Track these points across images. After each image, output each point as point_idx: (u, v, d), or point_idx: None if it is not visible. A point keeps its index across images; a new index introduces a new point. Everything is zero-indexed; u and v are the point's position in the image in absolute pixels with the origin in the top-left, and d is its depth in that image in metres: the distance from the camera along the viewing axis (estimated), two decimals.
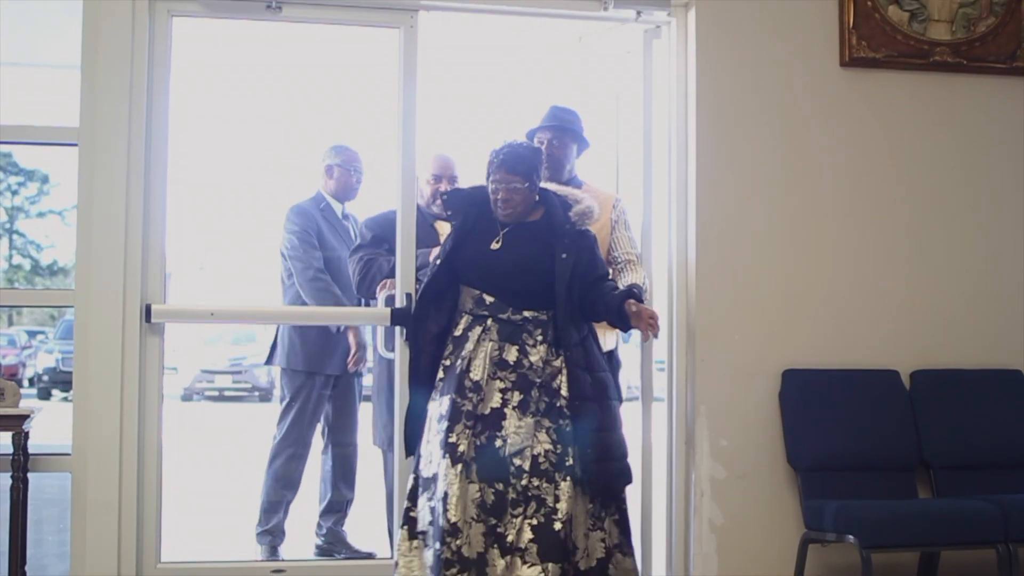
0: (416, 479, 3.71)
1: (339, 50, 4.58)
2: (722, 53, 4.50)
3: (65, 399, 17.48)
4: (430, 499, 3.60)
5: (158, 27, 4.23)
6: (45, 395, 17.83)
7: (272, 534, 4.97)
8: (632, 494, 4.45)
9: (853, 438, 4.40)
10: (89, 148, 4.12)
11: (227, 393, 17.55)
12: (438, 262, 3.82)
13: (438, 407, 3.70)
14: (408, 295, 4.22)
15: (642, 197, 4.61)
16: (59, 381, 17.64)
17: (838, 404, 4.43)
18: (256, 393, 17.71)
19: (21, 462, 3.81)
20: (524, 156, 3.77)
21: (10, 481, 3.82)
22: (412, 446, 3.83)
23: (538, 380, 3.68)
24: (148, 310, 4.13)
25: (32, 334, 21.40)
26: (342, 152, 5.11)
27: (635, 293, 3.76)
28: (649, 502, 4.51)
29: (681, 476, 4.45)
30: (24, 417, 3.83)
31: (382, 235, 4.62)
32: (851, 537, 3.90)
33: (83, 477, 4.06)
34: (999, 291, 4.67)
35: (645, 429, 4.55)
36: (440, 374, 3.75)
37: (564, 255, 3.70)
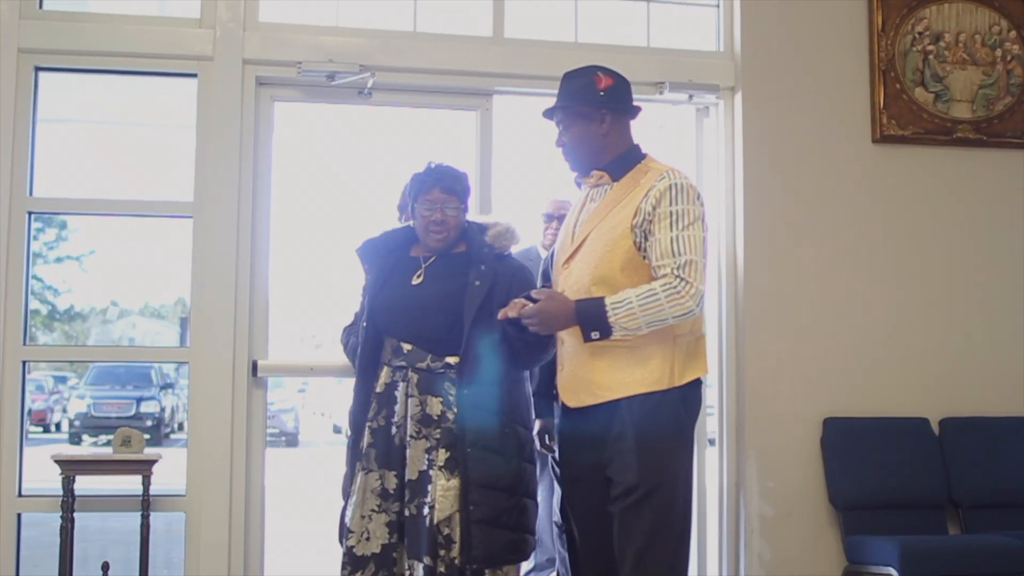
0: (348, 555, 3.33)
1: (423, 125, 5.01)
2: (765, 131, 4.95)
3: (95, 443, 17.78)
4: None
5: (262, 111, 4.70)
6: (76, 440, 18.02)
7: None
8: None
9: (888, 480, 4.78)
10: (202, 220, 4.55)
11: None
12: (364, 324, 3.44)
13: (377, 479, 3.33)
14: None
15: None
16: (90, 427, 17.73)
17: (874, 449, 4.82)
18: (283, 438, 18.01)
19: (148, 502, 4.24)
20: (459, 177, 3.48)
21: (139, 520, 4.24)
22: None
23: None
24: (255, 365, 4.56)
25: (57, 379, 21.66)
26: (555, 203, 4.84)
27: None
28: (704, 539, 4.92)
29: (732, 515, 4.86)
30: (153, 461, 4.27)
31: None
32: (891, 569, 4.31)
33: (197, 516, 4.46)
34: (1020, 345, 5.08)
35: (699, 471, 4.93)
36: (368, 437, 3.36)
37: (477, 282, 3.32)
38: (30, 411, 19.61)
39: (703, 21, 5.10)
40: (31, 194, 4.52)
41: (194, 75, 4.63)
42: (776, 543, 4.78)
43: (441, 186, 3.41)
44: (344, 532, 3.33)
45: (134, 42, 4.58)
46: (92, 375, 18.65)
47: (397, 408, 3.32)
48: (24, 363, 4.49)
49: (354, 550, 3.29)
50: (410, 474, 3.26)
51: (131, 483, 4.34)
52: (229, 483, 4.47)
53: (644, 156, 3.26)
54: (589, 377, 3.13)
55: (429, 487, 3.22)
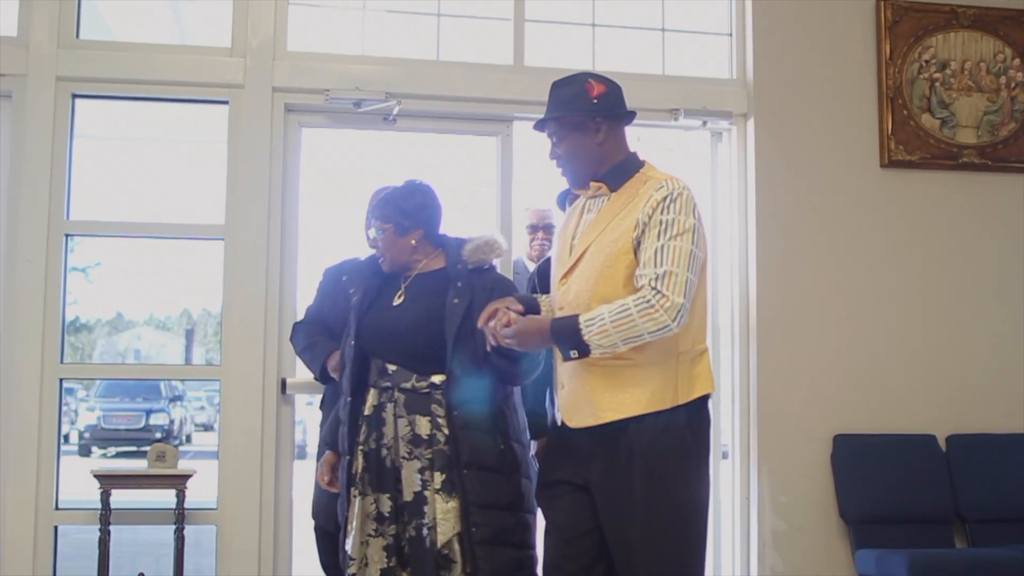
0: None
1: (445, 150, 5.16)
2: (777, 155, 5.11)
3: (104, 455, 17.83)
4: None
5: (290, 137, 4.85)
6: (86, 452, 18.05)
7: None
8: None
9: (897, 495, 4.92)
10: (233, 243, 4.70)
11: None
12: (352, 343, 3.40)
13: (372, 503, 3.31)
14: None
15: (709, 278, 5.18)
16: (99, 439, 17.70)
17: (883, 465, 4.96)
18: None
19: (183, 515, 4.39)
20: (390, 197, 3.44)
21: (173, 532, 4.39)
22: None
23: None
24: (284, 383, 4.70)
25: (65, 391, 21.58)
26: (536, 212, 5.00)
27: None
28: (719, 552, 5.07)
29: (744, 528, 5.01)
30: (187, 476, 4.42)
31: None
32: None
33: (228, 529, 4.61)
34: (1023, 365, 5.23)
35: (713, 486, 5.07)
36: (361, 461, 3.32)
37: (456, 300, 3.27)
38: None
39: (716, 50, 5.26)
40: (68, 217, 4.67)
41: (225, 102, 4.79)
42: (788, 556, 4.92)
43: (374, 212, 3.46)
44: (345, 560, 3.30)
45: (167, 70, 4.75)
46: (101, 387, 18.64)
47: (386, 430, 3.29)
48: (61, 381, 4.64)
49: None
50: (405, 496, 3.23)
51: (159, 496, 4.49)
52: (259, 497, 4.62)
53: (643, 164, 3.12)
54: (590, 397, 2.99)
55: (426, 508, 3.19)
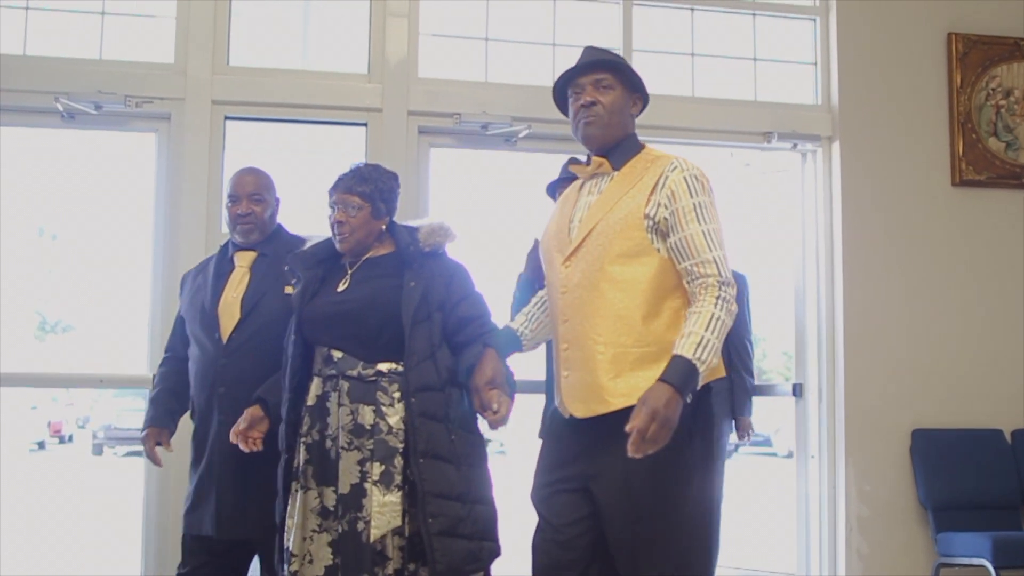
0: None
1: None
2: (860, 175, 5.59)
3: (115, 454, 18.03)
4: None
5: (422, 156, 5.29)
6: (99, 451, 18.25)
7: None
8: (793, 530, 5.51)
9: (969, 484, 5.40)
10: None
11: None
12: (292, 337, 3.25)
13: (315, 497, 3.14)
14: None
15: (798, 285, 5.71)
16: (114, 438, 17.89)
17: (956, 457, 5.45)
18: None
19: None
20: (366, 175, 3.30)
21: None
22: None
23: (402, 446, 3.09)
24: None
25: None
26: None
27: (489, 344, 3.10)
28: (808, 535, 5.55)
29: (830, 515, 5.48)
30: None
31: None
32: (984, 561, 4.93)
33: None
34: None
35: (804, 479, 5.61)
36: (304, 454, 3.17)
37: (412, 283, 3.14)
38: (48, 423, 19.91)
39: (804, 78, 5.75)
40: (223, 229, 5.07)
41: (364, 124, 5.21)
42: (872, 539, 5.41)
43: (342, 186, 3.30)
44: (287, 557, 3.14)
45: (311, 94, 5.16)
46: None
47: (331, 420, 3.13)
48: None
49: (297, 575, 3.12)
50: (342, 488, 3.07)
51: None
52: None
53: (643, 146, 3.03)
54: (601, 383, 2.82)
55: (364, 501, 3.04)
